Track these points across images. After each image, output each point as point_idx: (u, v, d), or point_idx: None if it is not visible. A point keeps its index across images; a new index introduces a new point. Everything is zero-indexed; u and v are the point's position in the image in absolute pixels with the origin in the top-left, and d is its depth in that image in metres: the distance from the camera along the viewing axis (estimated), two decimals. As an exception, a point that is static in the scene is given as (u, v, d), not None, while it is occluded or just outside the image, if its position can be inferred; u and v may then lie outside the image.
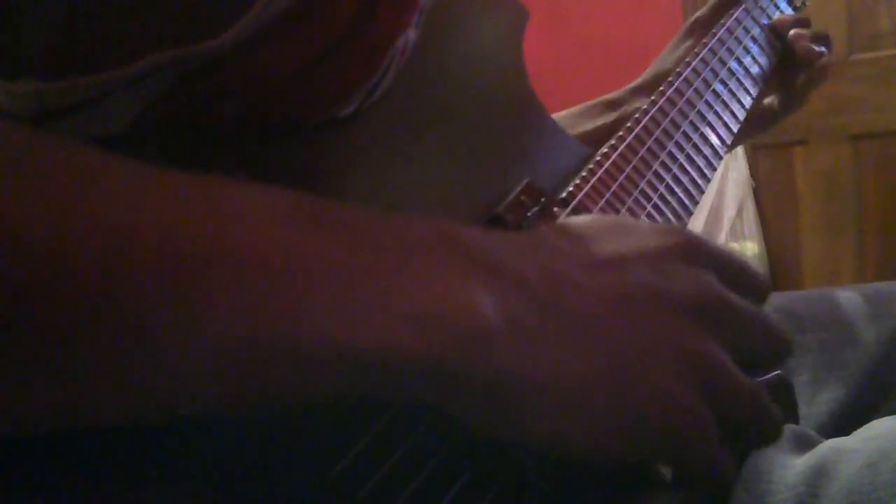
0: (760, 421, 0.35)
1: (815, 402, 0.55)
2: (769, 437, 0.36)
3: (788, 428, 0.39)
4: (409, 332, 0.27)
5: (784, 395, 0.40)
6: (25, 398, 0.24)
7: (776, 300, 0.62)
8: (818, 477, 0.35)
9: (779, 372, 0.40)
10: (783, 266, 2.13)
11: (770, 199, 2.12)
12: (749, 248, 2.02)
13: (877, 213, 2.05)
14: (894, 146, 2.02)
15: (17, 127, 0.28)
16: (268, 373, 0.26)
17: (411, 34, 0.42)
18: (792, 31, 0.71)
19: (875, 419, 0.41)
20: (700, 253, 0.36)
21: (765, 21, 0.69)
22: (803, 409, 0.54)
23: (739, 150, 2.01)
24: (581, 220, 0.37)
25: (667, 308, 0.33)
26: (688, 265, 0.35)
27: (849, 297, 0.60)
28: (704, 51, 0.62)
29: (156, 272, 0.25)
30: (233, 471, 0.30)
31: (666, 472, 0.35)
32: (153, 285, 0.24)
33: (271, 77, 0.36)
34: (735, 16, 0.66)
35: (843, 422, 0.53)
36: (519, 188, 0.45)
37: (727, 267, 0.36)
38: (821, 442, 0.39)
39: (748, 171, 2.06)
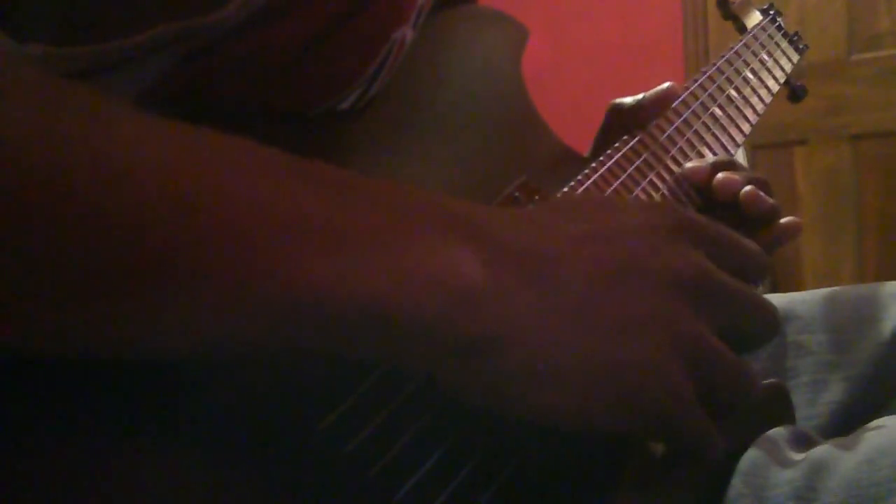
0: (747, 397, 0.35)
1: (817, 404, 0.55)
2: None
3: (788, 428, 0.39)
4: (394, 288, 0.28)
5: (781, 402, 0.41)
6: (21, 313, 0.25)
7: (776, 301, 0.62)
8: (817, 471, 0.35)
9: (774, 380, 0.40)
10: (783, 266, 2.13)
11: (770, 199, 2.12)
12: (749, 249, 2.02)
13: (877, 213, 2.05)
14: (894, 146, 2.02)
15: (33, 64, 0.29)
16: (260, 316, 0.27)
17: (408, 32, 0.42)
18: (745, 190, 0.61)
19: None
20: (691, 230, 0.36)
21: (765, 57, 0.71)
22: (804, 411, 0.54)
23: (740, 149, 2.01)
24: (571, 196, 0.37)
25: (653, 283, 0.33)
26: (677, 242, 0.35)
27: (849, 297, 0.60)
28: (703, 78, 0.64)
29: (147, 209, 0.25)
30: (221, 422, 0.30)
31: (654, 448, 0.35)
32: (143, 221, 0.25)
33: (270, 57, 0.36)
34: (735, 49, 0.68)
35: (845, 424, 0.53)
36: (514, 185, 0.46)
37: (719, 244, 0.36)
38: (821, 442, 0.39)
39: (748, 172, 2.06)
